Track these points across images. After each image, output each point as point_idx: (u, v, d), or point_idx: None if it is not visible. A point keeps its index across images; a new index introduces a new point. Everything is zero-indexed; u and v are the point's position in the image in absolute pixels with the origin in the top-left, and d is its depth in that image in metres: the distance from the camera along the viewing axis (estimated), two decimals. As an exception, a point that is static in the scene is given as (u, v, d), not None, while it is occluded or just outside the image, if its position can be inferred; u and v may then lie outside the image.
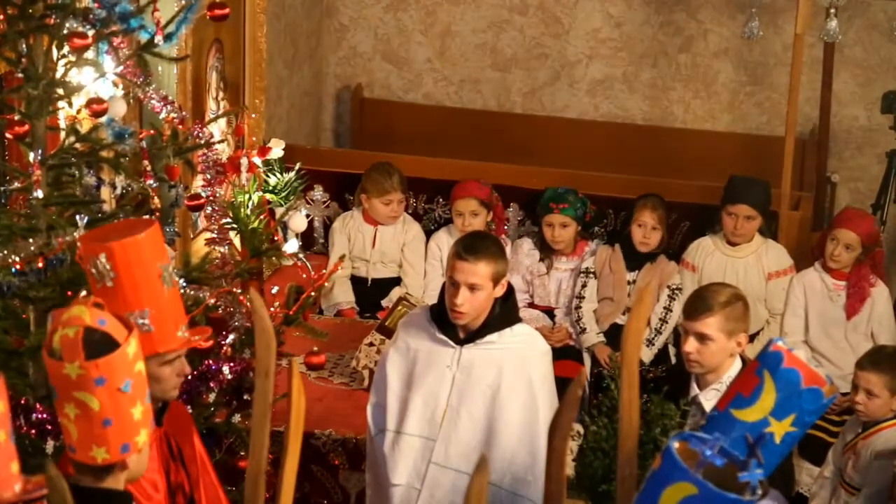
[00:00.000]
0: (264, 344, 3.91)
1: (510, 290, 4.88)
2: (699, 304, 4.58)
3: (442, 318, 4.84)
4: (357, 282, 7.29)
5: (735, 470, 3.31)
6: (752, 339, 6.48)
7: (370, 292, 7.26)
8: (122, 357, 3.48)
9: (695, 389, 4.62)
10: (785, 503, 4.01)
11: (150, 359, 4.04)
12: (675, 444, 3.33)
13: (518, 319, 4.92)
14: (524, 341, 4.87)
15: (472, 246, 4.74)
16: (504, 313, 4.83)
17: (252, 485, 3.95)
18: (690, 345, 4.54)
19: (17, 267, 4.43)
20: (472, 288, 4.70)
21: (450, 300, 4.74)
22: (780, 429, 3.68)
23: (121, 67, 4.76)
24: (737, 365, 4.61)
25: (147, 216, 4.99)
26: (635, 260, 6.83)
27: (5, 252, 4.42)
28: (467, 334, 4.82)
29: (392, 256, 7.26)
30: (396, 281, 7.28)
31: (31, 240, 4.50)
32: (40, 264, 4.48)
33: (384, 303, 7.14)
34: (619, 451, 4.00)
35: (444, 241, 7.12)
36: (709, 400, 4.59)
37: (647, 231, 6.79)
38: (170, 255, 4.22)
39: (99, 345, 3.46)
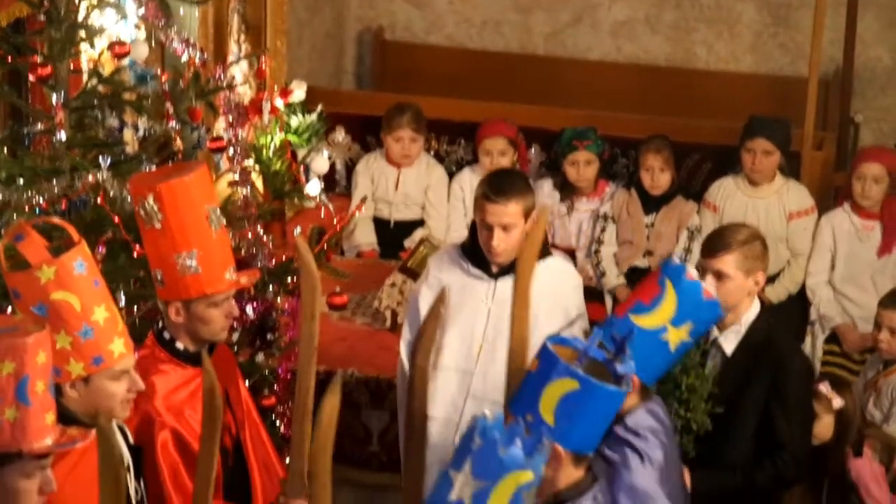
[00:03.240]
0: (309, 287, 3.96)
1: None
2: (717, 242, 4.59)
3: (474, 254, 4.86)
4: (379, 223, 7.31)
5: (608, 366, 3.38)
6: (773, 280, 6.51)
7: (393, 234, 7.28)
8: (29, 278, 3.52)
9: (714, 332, 4.64)
10: (663, 406, 4.08)
11: (198, 300, 4.09)
12: (550, 346, 3.38)
13: (549, 252, 4.95)
14: (558, 272, 4.90)
15: (500, 187, 4.74)
16: None
17: (299, 425, 4.00)
18: (708, 283, 4.54)
19: (42, 208, 4.47)
20: (505, 228, 4.72)
21: (486, 243, 4.75)
22: (675, 336, 3.80)
23: (143, 10, 4.78)
24: (755, 307, 4.62)
25: (169, 158, 5.04)
26: (651, 203, 6.83)
27: (29, 193, 4.46)
28: (501, 268, 4.84)
29: (415, 199, 7.27)
30: (419, 223, 7.29)
31: (54, 181, 4.54)
32: (64, 206, 4.52)
33: (406, 244, 7.17)
34: (508, 364, 4.10)
35: (468, 181, 7.12)
36: (728, 342, 4.60)
37: (654, 174, 6.78)
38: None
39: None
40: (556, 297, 4.83)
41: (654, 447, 3.90)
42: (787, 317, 6.32)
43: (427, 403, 4.16)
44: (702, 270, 4.62)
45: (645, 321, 3.79)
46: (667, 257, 3.94)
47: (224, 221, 4.19)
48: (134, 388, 3.73)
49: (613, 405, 3.42)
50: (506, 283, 4.84)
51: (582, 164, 6.94)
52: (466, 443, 3.09)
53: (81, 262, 3.58)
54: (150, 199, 4.00)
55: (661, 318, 3.79)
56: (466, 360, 4.86)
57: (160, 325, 4.22)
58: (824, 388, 4.87)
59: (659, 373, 3.90)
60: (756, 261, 4.56)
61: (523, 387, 3.46)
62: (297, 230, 5.74)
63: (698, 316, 3.80)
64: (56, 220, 3.77)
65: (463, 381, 4.85)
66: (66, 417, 3.53)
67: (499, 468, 3.01)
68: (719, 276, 4.53)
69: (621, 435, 3.78)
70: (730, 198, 6.73)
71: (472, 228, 4.91)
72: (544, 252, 4.92)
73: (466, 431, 3.13)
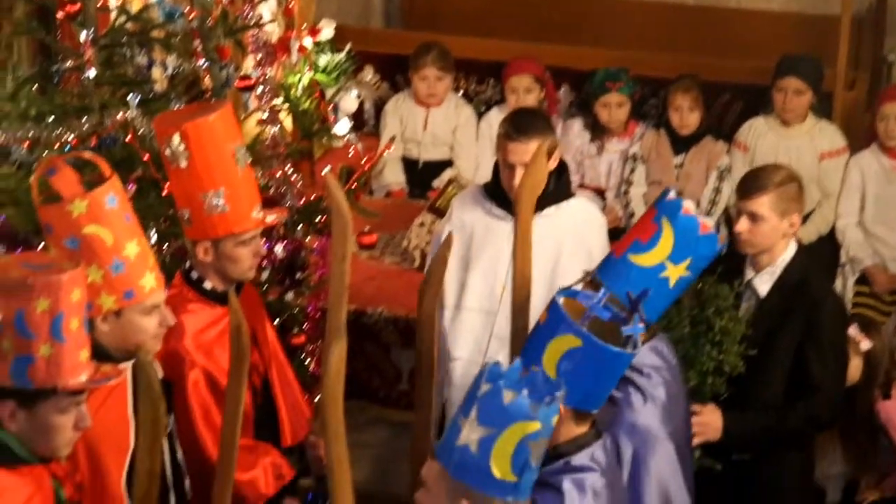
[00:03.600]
0: (340, 228, 3.94)
1: (563, 165, 4.87)
2: (753, 183, 4.55)
3: (497, 194, 4.84)
4: (408, 164, 7.30)
5: (619, 325, 3.35)
6: (804, 220, 6.46)
7: (421, 174, 7.27)
8: (61, 211, 3.53)
9: (749, 273, 4.61)
10: (670, 345, 4.07)
11: (226, 239, 4.10)
12: (561, 300, 3.36)
13: (573, 194, 4.93)
14: (582, 212, 4.89)
15: (521, 125, 4.72)
16: (559, 188, 4.84)
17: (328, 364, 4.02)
18: (742, 224, 4.52)
19: (71, 145, 4.47)
20: (526, 167, 4.69)
21: (508, 182, 4.73)
22: (675, 273, 3.79)
23: (169, -55, 4.75)
24: (791, 248, 4.59)
25: (198, 96, 5.02)
26: (680, 143, 6.79)
27: (59, 131, 4.46)
28: None
29: (444, 139, 7.25)
30: (448, 163, 7.28)
31: (84, 119, 4.54)
32: (93, 143, 4.52)
33: (435, 184, 7.15)
34: (512, 303, 4.11)
35: (496, 119, 7.05)
36: (763, 284, 4.58)
37: (683, 114, 6.73)
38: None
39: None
40: (580, 238, 4.82)
41: (657, 385, 3.91)
42: (818, 258, 6.29)
43: (433, 345, 4.17)
44: (737, 212, 4.59)
45: (643, 260, 3.78)
46: (662, 193, 3.89)
47: (250, 160, 4.18)
48: (165, 323, 3.74)
49: (617, 366, 3.41)
50: (529, 225, 4.83)
51: (614, 107, 6.90)
52: (474, 389, 3.07)
53: (113, 197, 3.59)
54: (176, 139, 3.99)
55: (659, 256, 3.78)
56: (489, 300, 4.85)
57: (188, 264, 4.22)
58: (853, 330, 4.84)
59: (661, 310, 3.90)
60: (791, 202, 4.52)
61: (531, 337, 3.46)
62: (326, 169, 5.73)
63: (697, 251, 3.79)
64: (88, 154, 3.76)
65: (486, 321, 4.84)
66: (98, 352, 3.56)
67: (503, 417, 2.99)
68: (754, 217, 4.49)
69: (625, 373, 3.78)
70: (761, 138, 6.68)
71: (496, 168, 4.89)
72: (568, 193, 4.90)
73: (476, 377, 3.11)
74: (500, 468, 2.99)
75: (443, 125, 7.23)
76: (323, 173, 5.75)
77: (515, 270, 4.18)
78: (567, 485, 3.38)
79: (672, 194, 3.85)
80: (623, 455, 3.86)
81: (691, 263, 3.79)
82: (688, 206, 3.83)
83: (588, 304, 3.35)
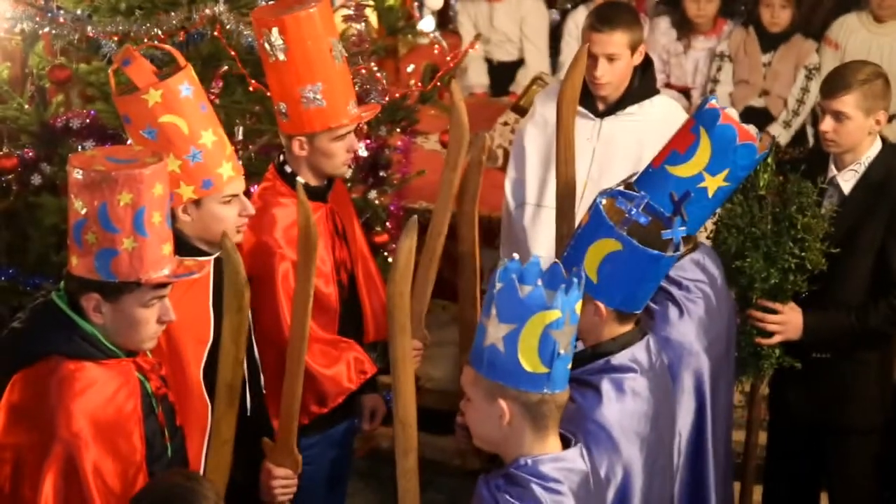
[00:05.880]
0: (458, 137, 3.96)
1: (648, 60, 4.85)
2: (836, 81, 4.48)
3: (581, 92, 4.83)
4: (489, 63, 7.27)
5: (659, 227, 3.34)
6: (893, 118, 6.38)
7: (498, 74, 7.24)
8: (137, 101, 3.56)
9: (833, 170, 4.57)
10: (716, 258, 4.04)
11: (321, 134, 4.11)
12: (603, 202, 3.35)
13: (657, 91, 4.90)
14: (665, 112, 4.86)
15: (606, 16, 4.70)
16: (643, 84, 4.82)
17: (425, 268, 4.11)
18: (827, 124, 4.46)
19: (160, 40, 4.50)
20: (610, 59, 4.68)
21: (589, 73, 4.72)
22: (713, 184, 3.74)
23: None
24: (877, 145, 4.54)
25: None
26: (769, 41, 6.70)
27: (148, 25, 4.49)
28: (607, 106, 4.82)
29: (511, 35, 7.18)
30: (521, 63, 7.24)
31: (172, 13, 4.57)
32: (182, 38, 4.55)
33: (512, 89, 7.13)
34: (556, 207, 4.13)
35: (582, 18, 7.02)
36: (846, 181, 4.54)
37: (774, 10, 6.63)
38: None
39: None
40: (663, 136, 4.77)
41: (696, 299, 3.88)
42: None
43: (475, 246, 4.18)
44: (822, 111, 4.54)
45: (681, 171, 3.74)
46: (702, 102, 3.85)
47: (345, 54, 4.18)
48: (245, 213, 3.76)
49: (658, 268, 3.40)
50: (612, 123, 4.82)
51: (703, 1, 6.81)
52: (490, 288, 3.03)
53: (188, 86, 3.61)
54: (275, 32, 3.99)
55: (696, 167, 3.73)
56: (570, 198, 4.85)
57: (281, 158, 4.23)
58: None
59: (701, 221, 3.86)
60: (877, 100, 4.46)
61: (574, 239, 3.46)
62: (411, 67, 5.74)
63: (735, 161, 3.73)
64: (161, 45, 3.79)
65: (566, 219, 4.86)
66: (181, 244, 3.59)
67: (522, 310, 2.95)
68: (838, 116, 4.43)
69: (664, 286, 3.77)
70: (852, 35, 6.57)
71: (583, 65, 4.87)
72: (652, 90, 4.88)
73: (491, 276, 3.07)
74: (529, 361, 2.97)
75: (506, 19, 7.15)
76: (407, 71, 5.77)
77: (558, 175, 4.17)
78: (606, 385, 3.38)
79: (715, 102, 3.80)
80: None
81: (729, 174, 3.74)
82: (727, 113, 3.78)
83: (626, 209, 3.35)
